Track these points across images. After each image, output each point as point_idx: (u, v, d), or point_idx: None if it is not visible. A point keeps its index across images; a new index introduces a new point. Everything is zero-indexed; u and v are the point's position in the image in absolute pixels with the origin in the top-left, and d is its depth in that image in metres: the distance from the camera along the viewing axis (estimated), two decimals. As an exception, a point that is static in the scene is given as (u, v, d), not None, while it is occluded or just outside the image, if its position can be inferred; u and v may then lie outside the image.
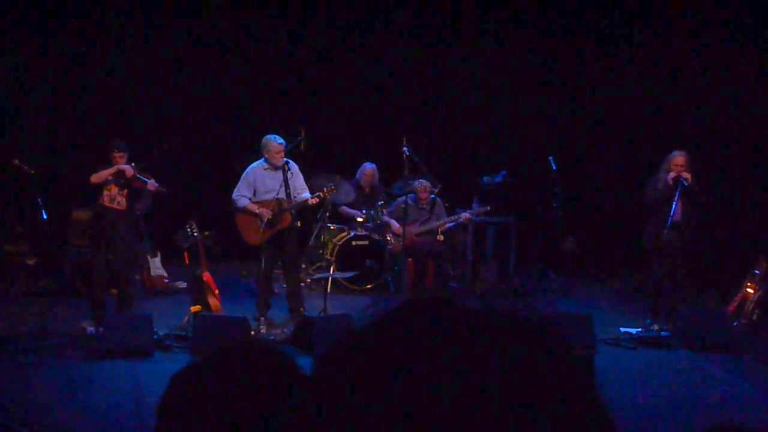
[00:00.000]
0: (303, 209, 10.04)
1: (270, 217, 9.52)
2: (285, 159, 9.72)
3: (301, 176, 9.87)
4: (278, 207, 9.57)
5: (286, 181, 9.63)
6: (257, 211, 9.55)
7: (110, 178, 9.08)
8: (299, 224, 10.02)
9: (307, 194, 9.71)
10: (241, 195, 9.71)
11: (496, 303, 0.99)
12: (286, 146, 9.74)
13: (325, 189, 9.96)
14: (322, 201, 10.46)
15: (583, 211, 13.20)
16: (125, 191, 9.15)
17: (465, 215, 11.20)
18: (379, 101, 13.91)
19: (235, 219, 9.84)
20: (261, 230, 9.50)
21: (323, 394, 0.94)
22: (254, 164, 9.79)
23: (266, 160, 9.66)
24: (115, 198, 9.14)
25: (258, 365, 1.21)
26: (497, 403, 0.88)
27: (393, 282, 11.54)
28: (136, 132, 11.86)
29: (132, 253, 9.80)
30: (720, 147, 12.62)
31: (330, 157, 12.44)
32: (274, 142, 9.62)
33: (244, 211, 9.67)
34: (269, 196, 9.62)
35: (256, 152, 9.90)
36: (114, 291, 9.53)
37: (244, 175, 9.80)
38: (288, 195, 9.62)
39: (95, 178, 9.09)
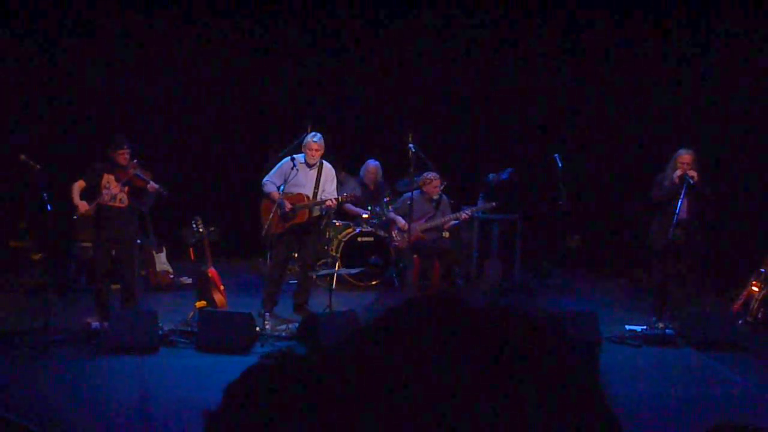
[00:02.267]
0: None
1: (288, 210, 9.54)
2: (322, 161, 9.77)
3: (334, 181, 9.91)
4: (296, 202, 9.60)
5: (317, 180, 9.68)
6: (278, 201, 9.58)
7: (108, 182, 9.08)
8: (322, 221, 10.11)
9: (327, 196, 9.72)
10: (271, 181, 9.76)
11: (501, 300, 0.99)
12: (322, 143, 9.73)
13: (345, 194, 10.00)
14: (339, 205, 10.46)
15: (589, 209, 13.20)
16: (126, 189, 9.14)
17: (464, 213, 11.18)
18: (385, 98, 13.91)
19: (260, 203, 9.88)
20: (270, 220, 9.48)
21: (326, 392, 0.94)
22: (293, 156, 9.86)
23: (303, 156, 9.71)
24: (116, 196, 9.12)
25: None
26: (503, 401, 0.88)
27: (398, 278, 11.54)
28: (141, 128, 11.87)
29: (136, 249, 9.80)
30: (726, 145, 12.60)
31: (336, 154, 12.43)
32: (310, 139, 9.74)
33: (268, 197, 9.71)
34: (296, 191, 9.65)
35: (260, 148, 9.90)
36: (117, 286, 9.52)
37: (280, 163, 9.87)
38: (315, 195, 9.67)
39: (71, 192, 9.10)
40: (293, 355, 1.06)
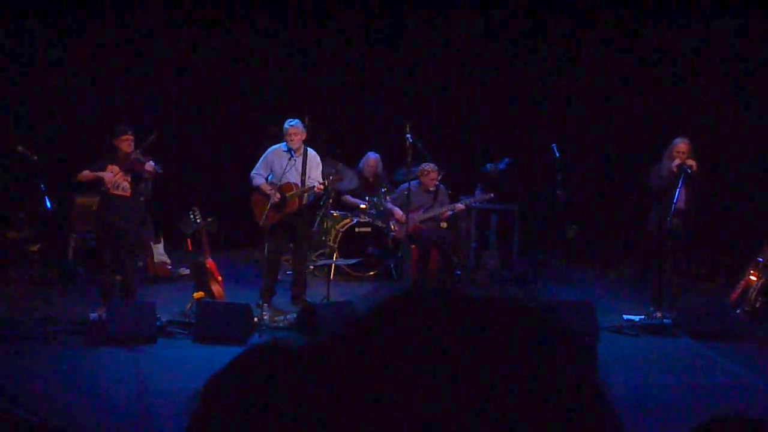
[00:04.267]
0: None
1: (277, 200, 9.55)
2: (306, 147, 9.77)
3: (319, 167, 9.91)
4: (286, 191, 9.60)
5: (303, 167, 9.69)
6: (268, 192, 9.59)
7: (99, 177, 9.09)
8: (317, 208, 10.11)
9: (313, 182, 9.72)
10: (258, 173, 9.80)
11: (497, 290, 0.99)
12: (299, 126, 9.74)
13: (330, 177, 9.99)
14: (325, 189, 10.42)
15: (587, 199, 13.19)
16: (129, 176, 9.14)
17: (459, 205, 11.16)
18: (383, 89, 13.89)
19: (251, 197, 9.90)
20: (266, 212, 9.52)
21: (323, 381, 0.93)
22: (275, 146, 9.89)
23: (286, 144, 9.72)
24: (119, 184, 9.13)
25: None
26: (498, 392, 0.88)
27: (396, 269, 11.54)
28: (139, 117, 11.82)
29: (137, 240, 9.81)
30: (723, 134, 12.60)
31: (334, 146, 12.43)
32: (286, 124, 9.78)
33: (257, 190, 9.74)
34: (284, 180, 9.66)
35: (258, 139, 9.89)
36: (118, 278, 9.52)
37: (264, 154, 9.92)
38: (302, 182, 9.67)
39: (81, 176, 9.11)
40: (282, 345, 1.06)
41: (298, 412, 0.93)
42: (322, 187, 9.77)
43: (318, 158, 9.95)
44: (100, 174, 9.06)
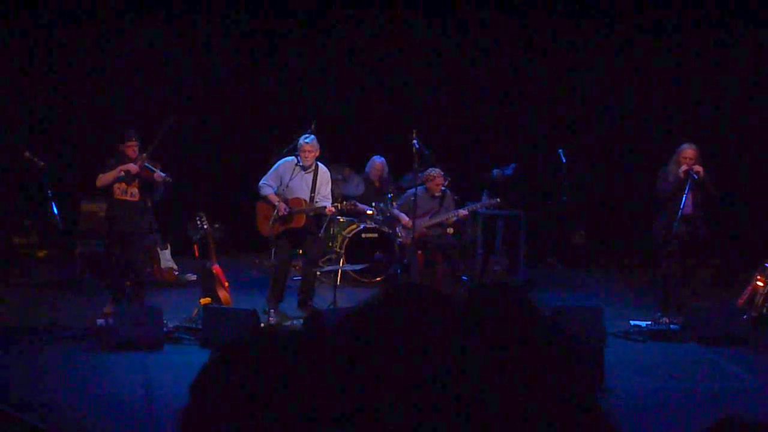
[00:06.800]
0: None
1: (285, 213, 9.55)
2: (318, 163, 9.76)
3: (329, 184, 9.91)
4: (295, 206, 9.61)
5: (313, 183, 9.68)
6: (276, 203, 9.59)
7: (120, 174, 9.11)
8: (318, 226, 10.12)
9: (326, 203, 9.71)
10: (267, 184, 9.78)
11: (481, 291, 0.98)
12: (314, 143, 9.72)
13: (345, 203, 10.00)
14: (339, 212, 10.40)
15: (593, 204, 13.18)
16: (137, 182, 9.16)
17: (462, 211, 11.12)
18: (389, 94, 13.89)
19: (256, 205, 9.90)
20: (271, 223, 9.55)
21: (315, 376, 0.94)
22: (288, 158, 9.89)
23: (298, 158, 9.71)
24: (127, 190, 9.16)
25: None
26: (494, 394, 0.88)
27: (402, 275, 11.53)
28: (146, 123, 11.85)
29: (145, 245, 9.83)
30: (730, 139, 12.59)
31: (340, 151, 12.42)
32: (301, 141, 9.75)
33: (265, 200, 9.73)
34: (293, 195, 9.66)
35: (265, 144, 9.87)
36: (128, 283, 9.54)
37: (275, 165, 9.91)
38: (311, 198, 9.66)
39: (100, 181, 9.14)
40: (244, 344, 1.06)
41: (284, 402, 0.94)
42: (333, 210, 9.78)
43: (328, 174, 9.94)
44: (121, 168, 9.06)
